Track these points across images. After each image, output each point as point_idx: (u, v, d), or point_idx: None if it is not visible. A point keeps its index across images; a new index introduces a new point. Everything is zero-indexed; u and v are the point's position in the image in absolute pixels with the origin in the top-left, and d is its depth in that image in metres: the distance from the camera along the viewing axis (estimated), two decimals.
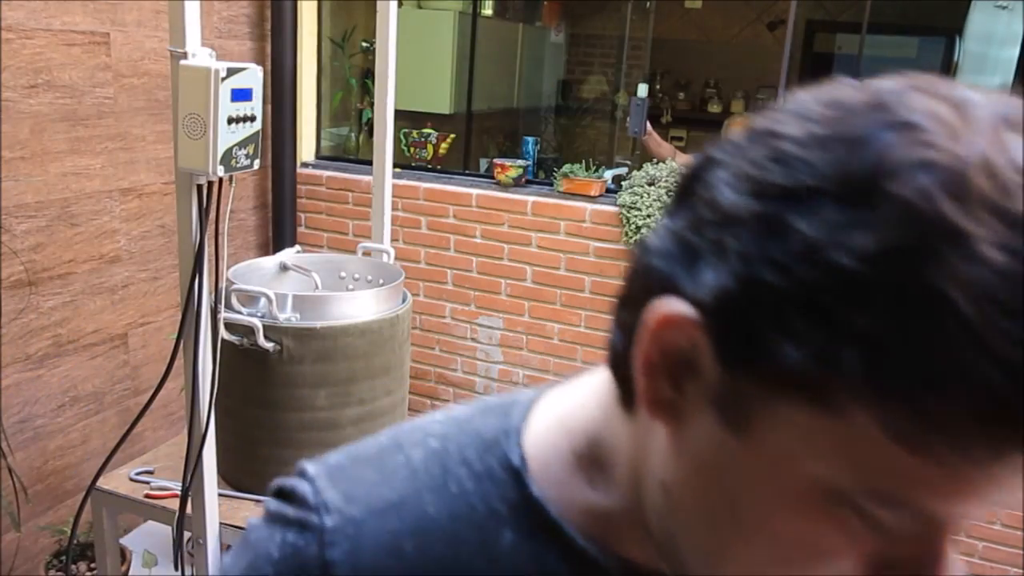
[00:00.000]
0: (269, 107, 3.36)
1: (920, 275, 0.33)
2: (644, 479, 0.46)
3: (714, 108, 5.57)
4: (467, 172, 3.55)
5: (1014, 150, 0.34)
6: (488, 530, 0.49)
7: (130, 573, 2.44)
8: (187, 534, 1.81)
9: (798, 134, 0.37)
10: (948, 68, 4.46)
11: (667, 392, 0.42)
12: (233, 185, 1.64)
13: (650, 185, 3.05)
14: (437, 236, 3.42)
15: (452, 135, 3.64)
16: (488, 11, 4.44)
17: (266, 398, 1.87)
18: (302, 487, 0.52)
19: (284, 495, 0.53)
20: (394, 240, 3.07)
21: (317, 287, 2.16)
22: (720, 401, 0.40)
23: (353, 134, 3.85)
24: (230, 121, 1.54)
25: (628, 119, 3.34)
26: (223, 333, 1.75)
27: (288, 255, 2.20)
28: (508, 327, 3.40)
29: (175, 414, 3.05)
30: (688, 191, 0.42)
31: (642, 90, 3.31)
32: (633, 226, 3.03)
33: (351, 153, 3.79)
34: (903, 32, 4.71)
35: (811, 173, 0.36)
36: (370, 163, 2.34)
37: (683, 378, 0.41)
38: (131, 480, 1.99)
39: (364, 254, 2.29)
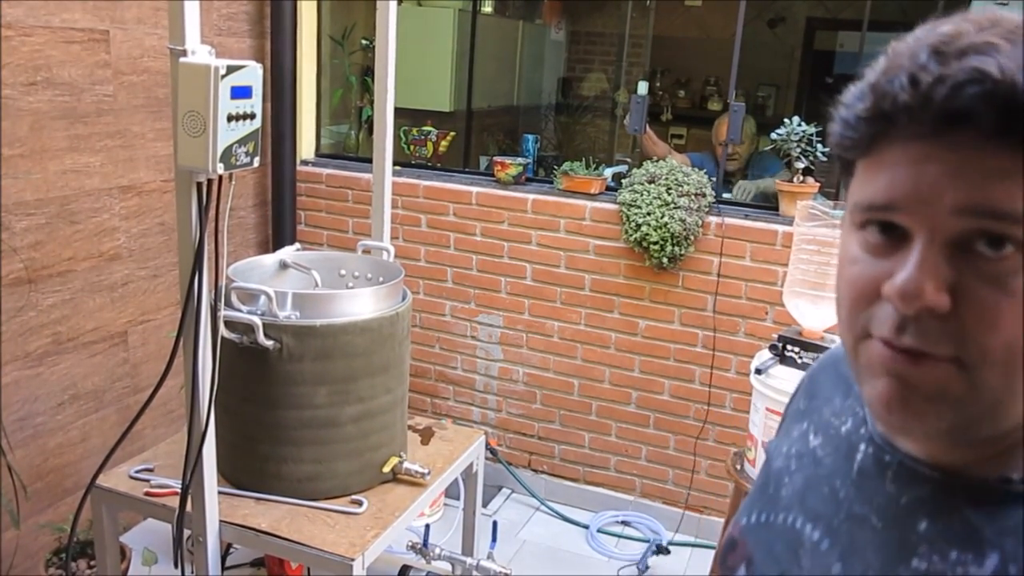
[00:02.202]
0: (269, 105, 3.36)
1: None
2: None
3: (714, 106, 5.56)
4: (467, 170, 3.55)
5: None
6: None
7: (130, 571, 2.44)
8: (187, 532, 1.81)
9: None
10: None
11: None
12: (233, 183, 1.64)
13: (650, 183, 3.05)
14: (437, 234, 3.42)
15: (452, 133, 3.63)
16: (488, 8, 4.44)
17: (266, 396, 1.87)
18: None
19: None
20: (394, 238, 3.07)
21: (317, 285, 2.16)
22: None
23: (353, 132, 3.84)
24: (230, 119, 1.53)
25: (628, 117, 3.33)
26: (223, 331, 1.75)
27: (288, 253, 2.19)
28: (508, 325, 3.40)
29: (175, 412, 3.05)
30: None
31: (642, 88, 3.30)
32: (633, 224, 3.03)
33: (351, 151, 3.78)
34: (904, 29, 4.69)
35: None
36: (370, 161, 2.34)
37: None
38: (131, 478, 1.98)
39: (364, 252, 2.29)
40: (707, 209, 3.02)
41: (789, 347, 2.24)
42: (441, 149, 3.62)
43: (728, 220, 3.03)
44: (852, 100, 0.57)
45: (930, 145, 0.53)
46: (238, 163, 1.58)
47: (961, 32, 0.53)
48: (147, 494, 1.93)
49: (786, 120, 2.97)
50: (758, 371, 2.23)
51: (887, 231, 0.56)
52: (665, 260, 3.03)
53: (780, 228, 2.97)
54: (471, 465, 2.31)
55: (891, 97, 0.54)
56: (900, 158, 0.54)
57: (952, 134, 0.52)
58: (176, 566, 1.77)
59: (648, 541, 3.23)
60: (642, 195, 3.03)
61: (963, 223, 0.52)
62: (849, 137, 0.58)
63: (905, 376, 0.55)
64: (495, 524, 2.76)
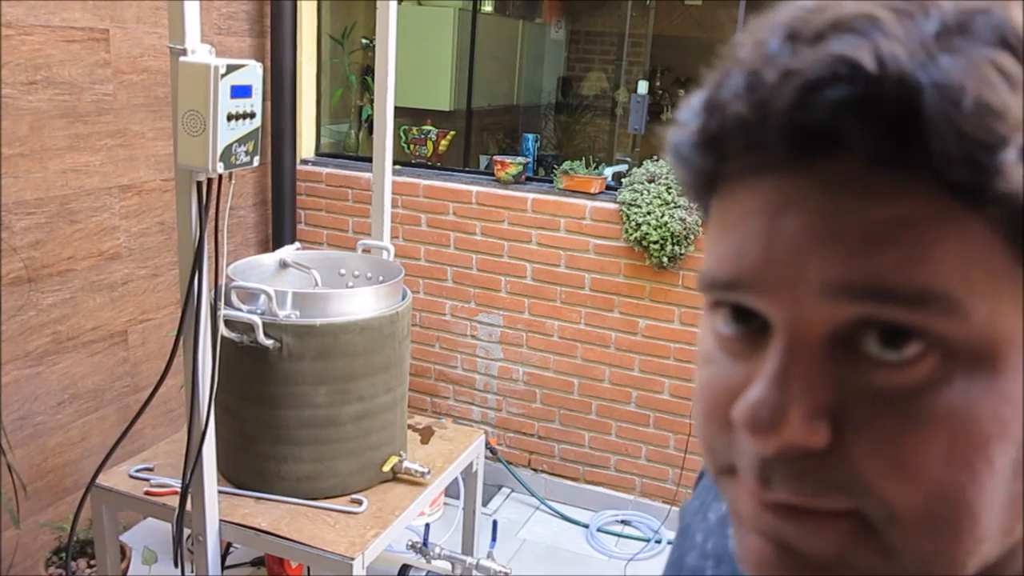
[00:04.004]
0: (269, 104, 3.36)
1: None
2: None
3: None
4: (467, 169, 3.54)
5: None
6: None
7: (130, 570, 2.44)
8: (187, 531, 1.81)
9: None
10: None
11: None
12: (233, 182, 1.64)
13: (650, 182, 3.05)
14: (437, 233, 3.42)
15: (452, 132, 3.63)
16: (488, 8, 4.44)
17: (266, 395, 1.87)
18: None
19: None
20: (394, 237, 3.07)
21: (317, 284, 2.16)
22: None
23: (353, 131, 3.84)
24: (230, 118, 1.53)
25: (629, 116, 3.33)
26: (223, 330, 1.75)
27: (288, 252, 2.20)
28: (508, 324, 3.40)
29: (175, 411, 3.05)
30: None
31: (642, 87, 3.31)
32: (633, 223, 3.03)
33: (351, 150, 3.78)
34: None
35: None
36: (370, 160, 2.34)
37: None
38: (131, 477, 1.98)
39: (364, 251, 2.29)
40: None
41: None
42: (441, 148, 3.62)
43: None
44: (685, 116, 0.37)
45: (788, 183, 0.34)
46: (238, 162, 1.58)
47: (831, 3, 0.33)
48: (147, 493, 1.93)
49: None
50: None
51: (742, 318, 0.36)
52: (665, 259, 3.03)
53: None
54: (471, 464, 2.31)
55: (721, 109, 0.34)
56: (748, 205, 0.35)
57: (817, 164, 0.33)
58: (176, 565, 1.77)
59: (648, 540, 3.23)
60: (642, 194, 3.03)
61: (840, 309, 0.32)
62: (683, 173, 0.38)
63: (784, 537, 0.35)
64: (495, 523, 2.76)
